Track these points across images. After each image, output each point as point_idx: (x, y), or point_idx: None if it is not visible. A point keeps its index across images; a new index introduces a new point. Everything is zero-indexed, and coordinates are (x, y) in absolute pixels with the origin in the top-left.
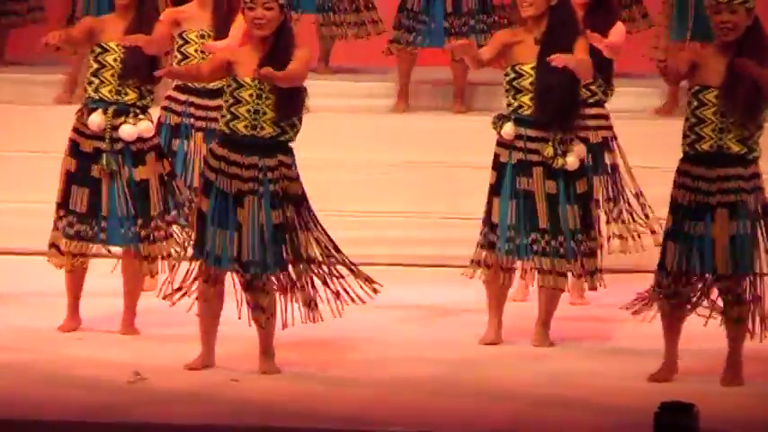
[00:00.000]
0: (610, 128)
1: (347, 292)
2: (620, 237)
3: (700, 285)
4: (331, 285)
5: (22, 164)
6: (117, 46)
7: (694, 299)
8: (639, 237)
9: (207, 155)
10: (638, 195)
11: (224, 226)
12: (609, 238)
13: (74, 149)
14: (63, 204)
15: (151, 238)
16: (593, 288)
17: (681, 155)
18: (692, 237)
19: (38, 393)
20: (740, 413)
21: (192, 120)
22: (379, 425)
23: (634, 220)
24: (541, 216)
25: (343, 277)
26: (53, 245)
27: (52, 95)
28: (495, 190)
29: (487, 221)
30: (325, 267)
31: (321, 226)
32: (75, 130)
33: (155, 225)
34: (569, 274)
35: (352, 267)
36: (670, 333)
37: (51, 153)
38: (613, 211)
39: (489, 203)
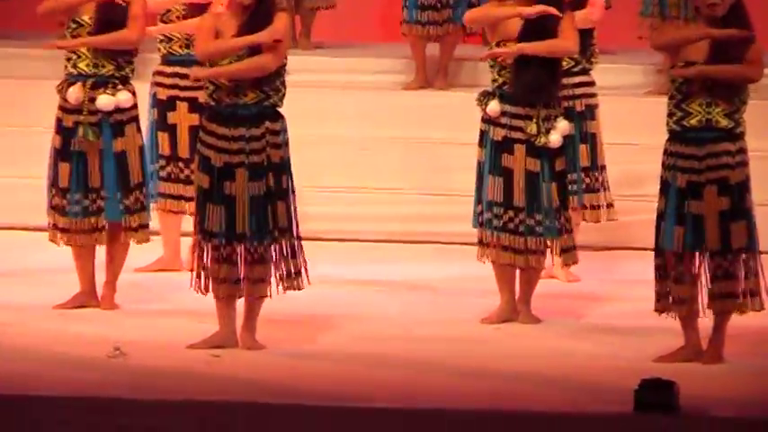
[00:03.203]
0: (594, 95)
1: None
2: (596, 206)
3: (697, 264)
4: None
5: (13, 138)
6: (90, 19)
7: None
8: (613, 206)
9: (200, 131)
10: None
11: (219, 201)
12: (586, 208)
13: (58, 126)
14: (54, 183)
15: (132, 209)
16: (567, 264)
17: (665, 133)
18: (691, 216)
19: (17, 369)
20: (720, 391)
21: (177, 90)
22: (360, 401)
23: (607, 189)
24: (517, 194)
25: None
26: (52, 224)
27: (39, 69)
28: (485, 167)
29: (484, 199)
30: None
31: (294, 197)
32: (59, 106)
33: (134, 197)
34: (548, 252)
35: (300, 247)
36: (688, 327)
37: (36, 128)
38: (590, 179)
39: (480, 181)
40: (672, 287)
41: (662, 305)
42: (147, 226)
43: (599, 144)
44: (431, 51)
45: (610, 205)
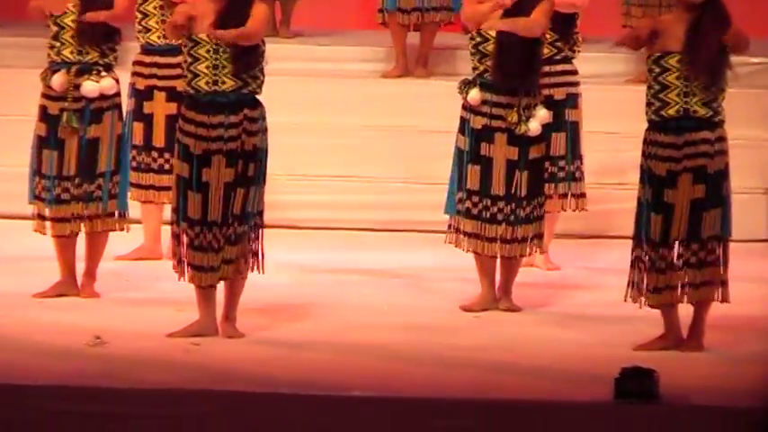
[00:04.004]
0: (576, 84)
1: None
2: (571, 195)
3: (676, 253)
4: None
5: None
6: (73, 7)
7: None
8: (585, 195)
9: (180, 120)
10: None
11: (198, 188)
12: (559, 196)
13: (42, 114)
14: (38, 170)
15: (95, 196)
16: (526, 254)
17: (636, 120)
18: (669, 205)
19: None
20: (700, 379)
21: (155, 80)
22: (340, 390)
23: (582, 179)
24: (496, 183)
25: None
26: (38, 214)
27: (29, 58)
28: (462, 154)
29: (464, 188)
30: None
31: (263, 186)
32: (43, 94)
33: (97, 184)
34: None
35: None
36: (668, 316)
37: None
38: (567, 168)
39: (464, 169)
40: (649, 276)
41: (634, 294)
42: (110, 215)
43: (580, 133)
44: (410, 40)
45: (582, 195)
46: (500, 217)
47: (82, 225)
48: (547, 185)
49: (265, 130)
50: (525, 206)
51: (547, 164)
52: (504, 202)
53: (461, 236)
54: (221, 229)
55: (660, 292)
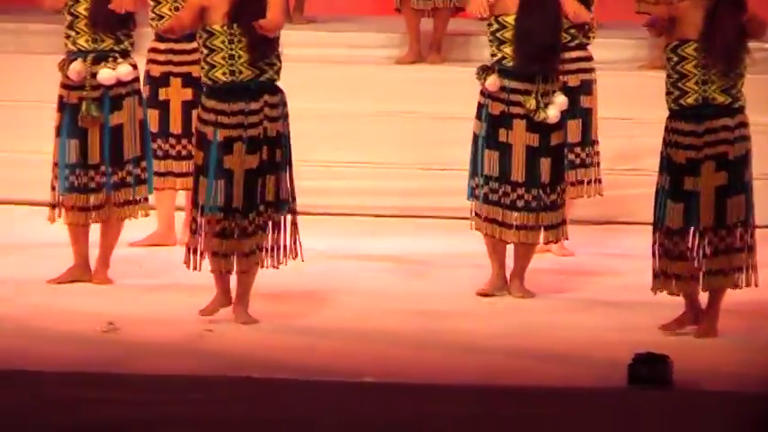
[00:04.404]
0: (590, 70)
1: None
2: (586, 182)
3: (695, 240)
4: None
5: (18, 113)
6: None
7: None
8: (600, 181)
9: (198, 109)
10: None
11: (218, 176)
12: (577, 183)
13: (60, 104)
14: (58, 162)
15: (122, 183)
16: (556, 240)
17: (664, 108)
18: (689, 193)
19: (7, 344)
20: (713, 365)
21: (171, 66)
22: (352, 376)
23: (598, 165)
24: (517, 169)
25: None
26: (52, 205)
27: (46, 44)
28: (478, 140)
29: (480, 173)
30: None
31: (291, 171)
32: (62, 84)
33: (126, 171)
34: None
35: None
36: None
37: (48, 103)
38: (581, 155)
39: (475, 154)
40: (670, 264)
41: (659, 284)
42: (138, 201)
43: (594, 119)
44: (424, 26)
45: (598, 181)
46: (520, 204)
47: (100, 213)
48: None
49: (287, 116)
50: (550, 193)
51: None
52: (523, 189)
53: (481, 221)
54: (247, 217)
55: (682, 279)
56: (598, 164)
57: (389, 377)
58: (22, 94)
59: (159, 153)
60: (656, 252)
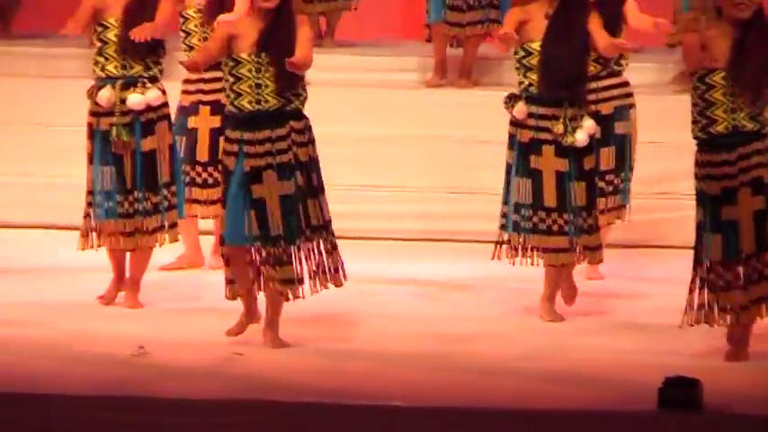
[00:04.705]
0: (627, 96)
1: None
2: (619, 207)
3: (739, 270)
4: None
5: (42, 137)
6: (116, 21)
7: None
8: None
9: (224, 141)
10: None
11: (244, 205)
12: (607, 210)
13: (90, 131)
14: (92, 189)
15: (158, 208)
16: (593, 263)
17: (680, 129)
18: (728, 223)
19: (39, 366)
20: (744, 389)
21: (200, 95)
22: (380, 399)
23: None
24: (548, 195)
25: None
26: (87, 232)
27: (69, 69)
28: (510, 169)
29: (509, 202)
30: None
31: (324, 194)
32: (91, 111)
33: (162, 196)
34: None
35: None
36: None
37: (74, 127)
38: (615, 181)
39: (508, 183)
40: (714, 297)
41: (701, 316)
42: (170, 226)
43: (631, 145)
44: (453, 51)
45: (622, 206)
46: (555, 228)
47: (134, 238)
48: (599, 199)
49: (314, 141)
50: (586, 217)
51: (596, 178)
52: (556, 214)
53: (511, 250)
54: (282, 243)
55: (731, 311)
56: (629, 190)
57: (416, 400)
58: (47, 119)
59: (186, 180)
60: (698, 286)
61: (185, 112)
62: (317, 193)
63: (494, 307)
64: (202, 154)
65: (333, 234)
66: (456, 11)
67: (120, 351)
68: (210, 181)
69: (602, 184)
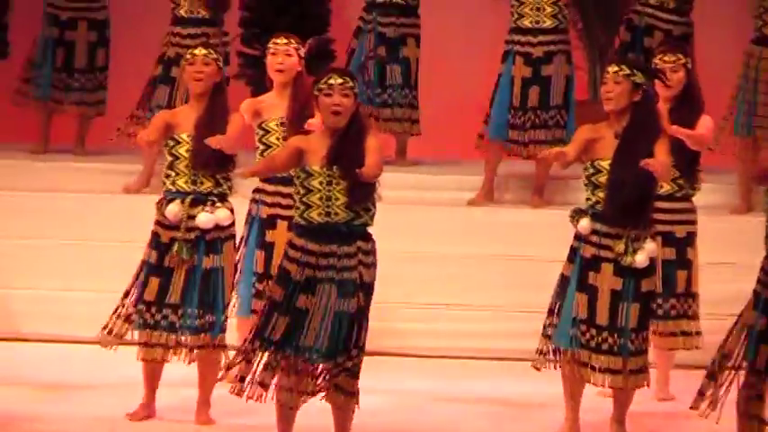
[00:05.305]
0: (694, 222)
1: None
2: (688, 333)
3: None
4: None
5: (102, 253)
6: (188, 137)
7: None
8: (701, 333)
9: (287, 247)
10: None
11: (295, 314)
12: (679, 335)
13: (153, 241)
14: (138, 295)
15: (223, 327)
16: (638, 386)
17: (761, 252)
18: None
19: None
20: None
21: (278, 209)
22: None
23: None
24: (601, 313)
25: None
26: (119, 334)
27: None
28: (567, 281)
29: (564, 314)
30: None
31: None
32: (157, 222)
33: (217, 316)
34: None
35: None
36: None
37: (132, 243)
38: (685, 305)
39: (560, 295)
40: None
41: (749, 427)
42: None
43: (695, 271)
44: (519, 168)
45: (698, 333)
46: (604, 347)
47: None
48: (674, 322)
49: (376, 265)
50: (634, 339)
51: (673, 300)
52: (607, 332)
53: (559, 361)
54: (333, 359)
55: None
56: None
57: None
58: (118, 235)
59: (253, 292)
60: (749, 396)
61: (263, 223)
62: (365, 316)
63: (558, 426)
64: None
65: (360, 359)
66: (518, 129)
67: None
68: None
69: (678, 305)
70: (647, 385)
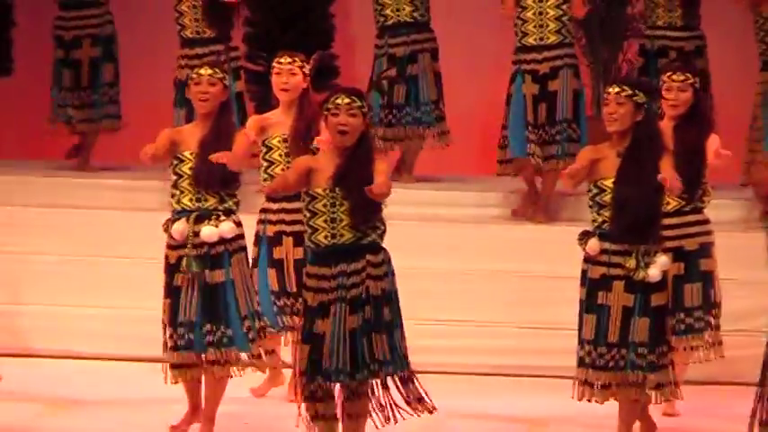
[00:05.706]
0: (708, 233)
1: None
2: (708, 345)
3: None
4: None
5: (113, 269)
6: (191, 155)
7: None
8: (721, 344)
9: (304, 276)
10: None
11: (309, 340)
12: (689, 349)
13: (166, 264)
14: (167, 320)
15: (233, 340)
16: (662, 401)
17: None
18: None
19: None
20: None
21: (283, 225)
22: None
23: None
24: (613, 330)
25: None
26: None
27: (152, 201)
28: (583, 306)
29: (581, 339)
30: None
31: (400, 328)
32: (167, 245)
33: (247, 325)
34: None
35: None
36: None
37: (144, 259)
38: (704, 318)
39: (581, 320)
40: None
41: None
42: (256, 357)
43: (716, 281)
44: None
45: (719, 342)
46: (620, 363)
47: (199, 369)
48: (684, 337)
49: (393, 273)
50: (648, 354)
51: (682, 315)
52: (616, 349)
53: (584, 387)
54: (344, 378)
55: None
56: (719, 326)
57: None
58: (130, 251)
59: (286, 310)
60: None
61: (270, 242)
62: (386, 328)
63: None
64: (291, 285)
65: (408, 367)
66: (534, 144)
67: None
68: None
69: (689, 320)
70: (678, 398)
